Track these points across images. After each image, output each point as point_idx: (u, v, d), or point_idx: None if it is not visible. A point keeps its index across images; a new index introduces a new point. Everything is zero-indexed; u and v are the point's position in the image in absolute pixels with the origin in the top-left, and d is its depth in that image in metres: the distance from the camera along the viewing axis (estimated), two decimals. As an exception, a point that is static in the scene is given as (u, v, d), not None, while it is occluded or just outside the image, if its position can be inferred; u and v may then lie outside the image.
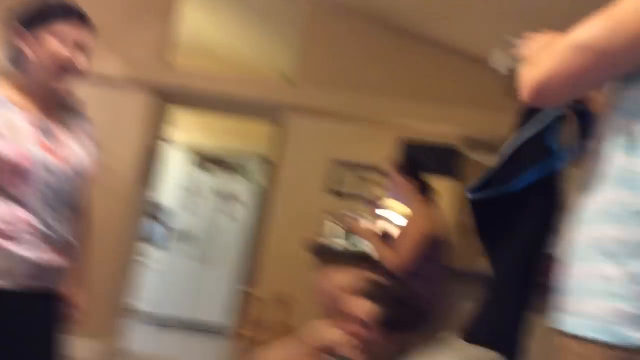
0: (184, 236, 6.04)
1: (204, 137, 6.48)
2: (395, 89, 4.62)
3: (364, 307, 2.10)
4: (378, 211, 4.53)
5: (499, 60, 3.97)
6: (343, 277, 3.08)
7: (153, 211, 5.89)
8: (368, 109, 4.58)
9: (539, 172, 1.30)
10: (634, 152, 0.93)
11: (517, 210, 1.32)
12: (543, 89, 0.97)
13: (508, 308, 1.39)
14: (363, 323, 2.08)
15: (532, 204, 1.32)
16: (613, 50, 0.91)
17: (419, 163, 3.26)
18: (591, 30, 0.93)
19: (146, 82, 4.67)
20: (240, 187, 6.23)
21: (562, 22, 1.09)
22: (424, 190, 3.17)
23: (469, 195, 1.34)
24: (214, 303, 5.95)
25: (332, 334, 2.82)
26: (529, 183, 1.30)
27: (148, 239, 5.67)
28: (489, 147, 4.97)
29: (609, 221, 0.93)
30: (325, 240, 4.22)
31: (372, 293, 2.15)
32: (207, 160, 6.81)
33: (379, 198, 4.58)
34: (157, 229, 6.01)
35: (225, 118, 5.75)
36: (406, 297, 2.25)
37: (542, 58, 0.98)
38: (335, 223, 4.39)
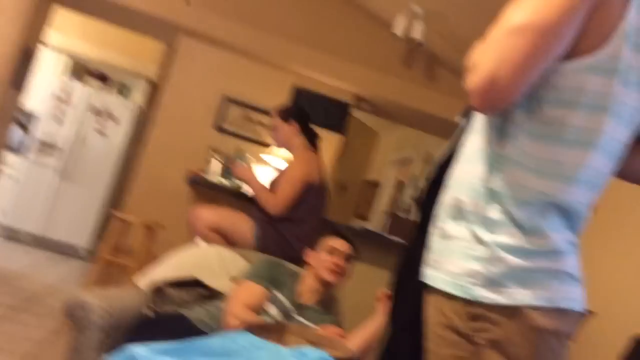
0: (47, 147, 5.62)
1: (84, 46, 5.97)
2: (295, 34, 4.56)
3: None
4: (262, 154, 4.53)
5: (401, 27, 4.06)
6: (214, 213, 3.09)
7: (20, 117, 5.39)
8: (265, 49, 4.49)
9: None
10: (503, 137, 1.01)
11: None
12: (493, 86, 0.88)
13: None
14: None
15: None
16: (551, 24, 0.87)
17: (307, 111, 3.26)
18: (523, 10, 0.88)
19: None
20: (116, 104, 5.86)
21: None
22: (309, 138, 3.20)
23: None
24: (72, 222, 5.65)
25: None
26: None
27: (10, 147, 5.21)
28: (374, 108, 5.14)
29: (468, 192, 1.03)
30: (203, 174, 4.15)
31: None
32: (85, 71, 6.31)
33: (265, 141, 4.58)
34: (18, 136, 5.52)
35: (111, 28, 5.33)
36: None
37: (480, 58, 0.91)
38: (216, 159, 4.33)
